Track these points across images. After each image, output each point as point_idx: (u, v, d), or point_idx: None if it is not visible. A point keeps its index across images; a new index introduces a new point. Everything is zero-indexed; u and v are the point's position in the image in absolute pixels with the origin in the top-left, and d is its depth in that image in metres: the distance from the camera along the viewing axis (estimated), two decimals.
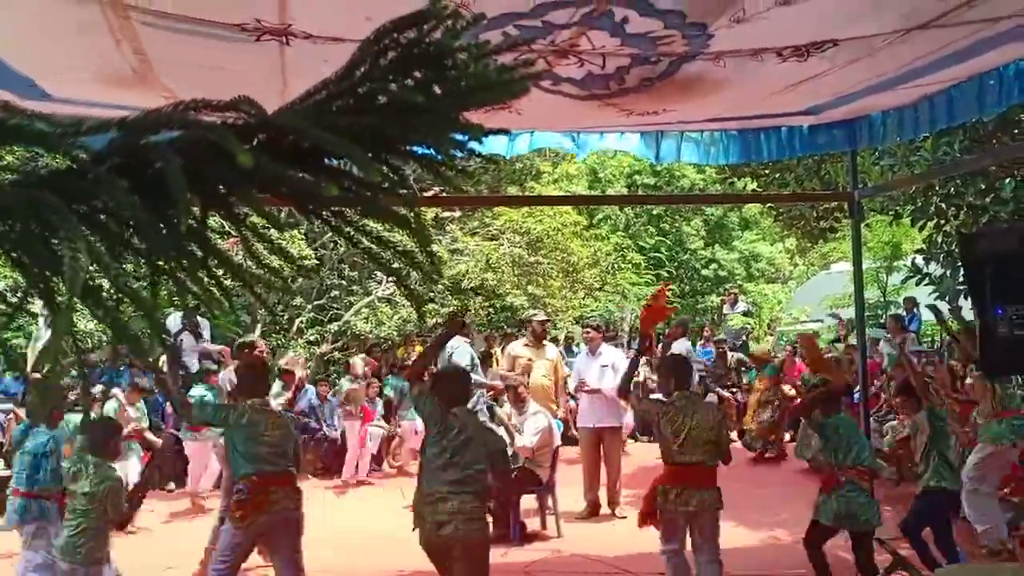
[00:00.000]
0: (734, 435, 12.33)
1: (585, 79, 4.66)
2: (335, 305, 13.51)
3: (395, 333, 13.32)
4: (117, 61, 4.08)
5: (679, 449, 5.05)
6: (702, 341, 15.08)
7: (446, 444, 4.54)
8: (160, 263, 0.82)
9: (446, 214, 14.61)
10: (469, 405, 4.91)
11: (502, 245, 14.46)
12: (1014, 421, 6.48)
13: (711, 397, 12.60)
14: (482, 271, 13.91)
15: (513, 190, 17.59)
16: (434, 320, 13.34)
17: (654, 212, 21.50)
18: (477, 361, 8.25)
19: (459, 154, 0.97)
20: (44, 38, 3.90)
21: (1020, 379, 6.47)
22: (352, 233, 0.94)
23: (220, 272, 0.91)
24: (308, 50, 3.92)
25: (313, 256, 12.79)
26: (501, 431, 7.65)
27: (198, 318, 10.72)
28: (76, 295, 0.65)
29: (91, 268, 0.69)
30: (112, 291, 0.78)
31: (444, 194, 8.67)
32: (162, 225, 0.78)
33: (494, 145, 6.19)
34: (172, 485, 9.93)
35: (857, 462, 5.29)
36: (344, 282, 13.58)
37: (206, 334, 11.34)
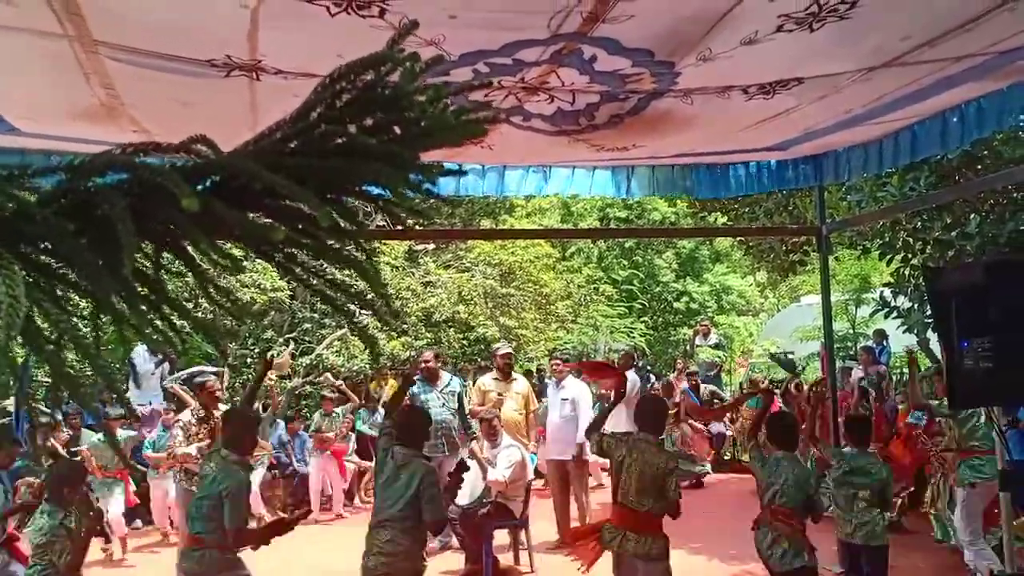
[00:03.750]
0: (708, 466, 12.39)
1: (555, 115, 4.71)
2: (307, 338, 13.41)
3: (367, 367, 13.24)
4: (86, 95, 4.06)
5: (622, 490, 4.93)
6: (675, 373, 15.12)
7: (381, 481, 4.81)
8: (106, 304, 0.81)
9: (419, 247, 14.61)
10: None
11: (475, 277, 14.47)
12: (972, 461, 6.48)
13: (684, 428, 12.63)
14: (455, 303, 13.89)
15: (486, 223, 17.63)
16: (408, 352, 13.28)
17: (626, 245, 21.60)
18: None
19: (414, 194, 0.97)
20: (12, 73, 3.88)
21: (982, 414, 6.50)
22: (304, 275, 0.94)
23: (173, 313, 0.91)
24: (278, 85, 3.93)
25: (286, 287, 12.72)
26: (474, 466, 7.61)
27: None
28: (12, 337, 0.65)
29: (30, 310, 0.68)
30: (52, 333, 0.77)
31: (418, 227, 8.68)
32: (109, 267, 0.78)
33: (463, 184, 6.21)
34: (138, 522, 9.76)
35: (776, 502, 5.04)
36: (316, 315, 13.50)
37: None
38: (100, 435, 9.26)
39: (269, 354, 6.32)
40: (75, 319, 0.79)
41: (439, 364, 8.51)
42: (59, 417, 9.83)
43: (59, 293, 0.80)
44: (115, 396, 0.96)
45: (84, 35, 3.36)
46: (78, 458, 8.58)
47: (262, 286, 12.07)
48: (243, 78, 3.89)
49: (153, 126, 4.62)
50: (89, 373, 0.92)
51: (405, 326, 13.16)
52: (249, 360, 13.09)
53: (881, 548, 5.38)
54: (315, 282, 0.95)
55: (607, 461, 5.78)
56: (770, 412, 5.79)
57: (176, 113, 4.38)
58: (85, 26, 3.28)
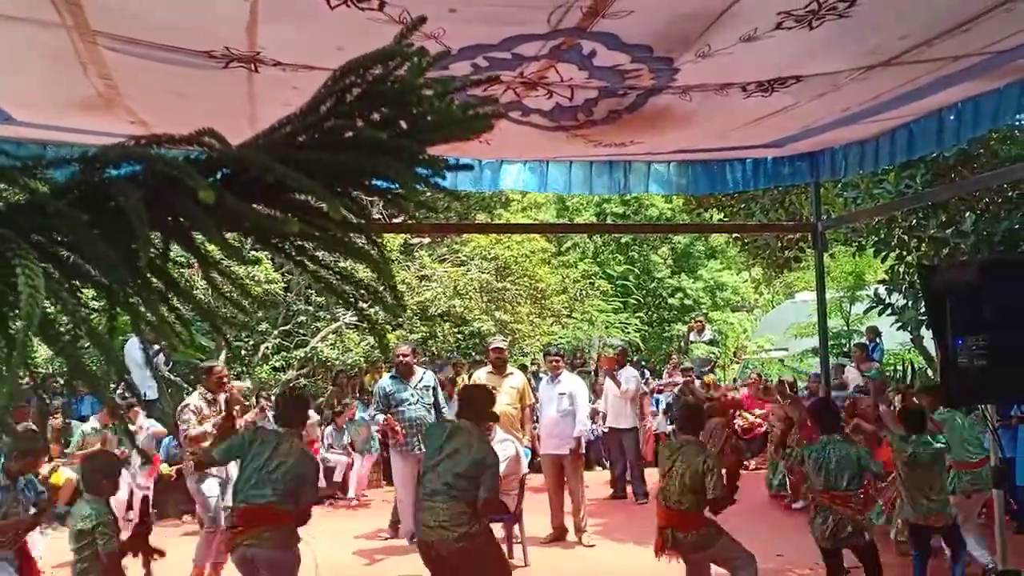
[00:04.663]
0: None
1: (554, 111, 4.70)
2: (301, 331, 13.41)
3: (362, 360, 13.24)
4: (84, 86, 4.05)
5: (663, 491, 5.30)
6: (670, 368, 15.19)
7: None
8: (119, 295, 0.82)
9: (415, 240, 14.60)
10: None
11: (470, 271, 14.47)
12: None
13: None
14: (450, 297, 13.89)
15: (482, 217, 17.63)
16: None
17: (622, 240, 21.60)
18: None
19: (422, 188, 0.98)
20: (10, 62, 3.86)
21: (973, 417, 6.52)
22: (314, 267, 0.94)
23: (180, 304, 0.91)
24: (277, 77, 3.92)
25: (280, 281, 12.70)
26: None
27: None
28: (32, 329, 0.65)
29: (47, 302, 0.68)
30: (68, 324, 0.77)
31: (413, 221, 8.66)
32: (123, 258, 0.78)
33: (460, 179, 6.19)
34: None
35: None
36: (311, 308, 13.49)
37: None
38: (90, 425, 9.25)
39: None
40: (87, 310, 0.79)
41: (416, 359, 8.49)
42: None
43: (73, 284, 0.80)
44: (123, 385, 0.97)
45: (82, 25, 3.35)
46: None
47: (257, 278, 12.06)
48: (241, 70, 3.88)
49: (150, 117, 4.60)
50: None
51: (400, 319, 13.17)
52: (243, 352, 13.09)
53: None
54: (324, 274, 0.96)
55: None
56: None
57: (174, 104, 4.37)
58: (83, 16, 3.26)
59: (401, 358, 8.21)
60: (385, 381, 8.27)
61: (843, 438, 5.63)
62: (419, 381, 8.18)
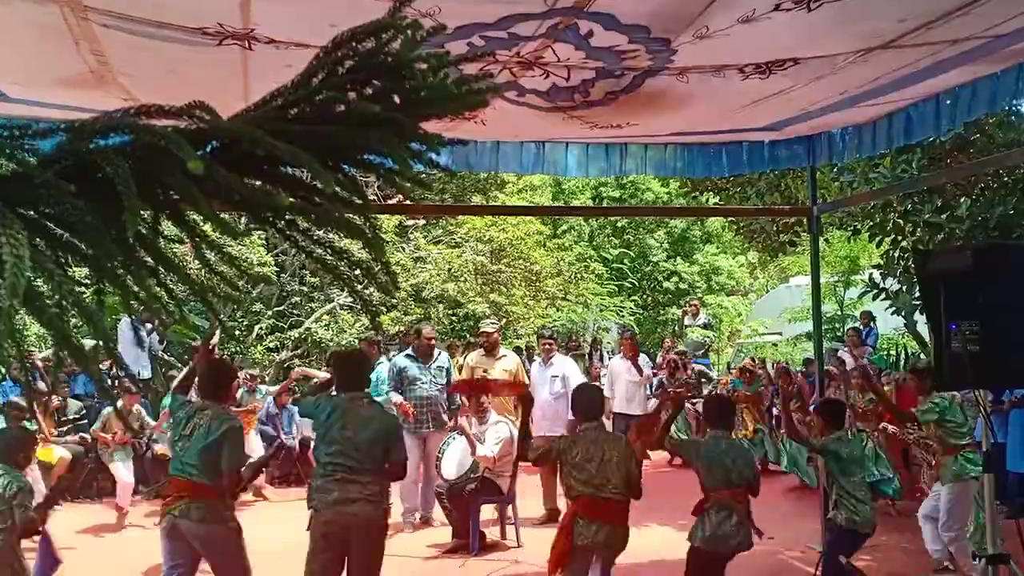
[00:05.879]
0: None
1: (550, 91, 4.68)
2: (295, 312, 13.39)
3: (356, 341, 13.23)
4: (76, 62, 4.02)
5: (595, 481, 4.75)
6: (663, 352, 15.20)
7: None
8: (107, 269, 0.80)
9: (410, 222, 14.56)
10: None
11: (465, 253, 14.44)
12: (969, 454, 6.36)
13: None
14: (445, 279, 13.87)
15: (477, 199, 17.59)
16: (396, 328, 13.29)
17: (618, 224, 21.57)
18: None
19: (417, 164, 0.96)
20: (1, 39, 3.83)
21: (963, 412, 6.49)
22: (306, 243, 0.93)
23: (171, 279, 0.90)
24: (271, 54, 3.89)
25: (272, 263, 12.67)
26: (463, 441, 7.64)
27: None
28: (16, 300, 0.64)
29: (33, 273, 0.67)
30: (55, 296, 0.76)
31: (408, 202, 8.64)
32: (110, 231, 0.77)
33: (456, 160, 6.16)
34: None
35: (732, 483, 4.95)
36: (305, 288, 13.46)
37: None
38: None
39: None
40: (76, 283, 0.78)
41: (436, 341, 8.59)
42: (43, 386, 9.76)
43: (60, 256, 0.79)
44: (113, 362, 0.96)
45: (74, 0, 3.32)
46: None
47: (249, 261, 12.02)
48: (235, 47, 3.85)
49: (143, 94, 4.56)
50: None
51: (395, 300, 13.15)
52: (237, 332, 13.07)
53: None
54: (318, 251, 0.94)
55: None
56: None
57: (167, 82, 4.34)
58: None
59: (426, 340, 8.28)
60: (401, 359, 8.31)
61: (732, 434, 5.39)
62: (434, 362, 8.25)
